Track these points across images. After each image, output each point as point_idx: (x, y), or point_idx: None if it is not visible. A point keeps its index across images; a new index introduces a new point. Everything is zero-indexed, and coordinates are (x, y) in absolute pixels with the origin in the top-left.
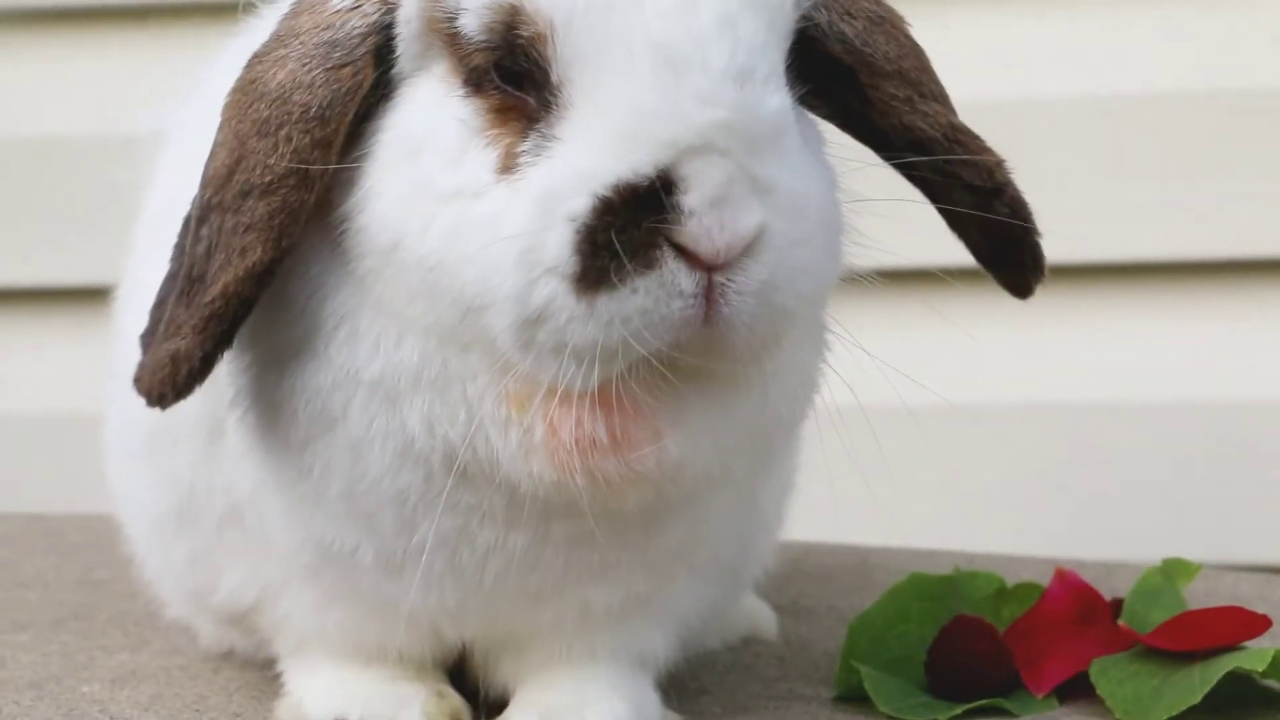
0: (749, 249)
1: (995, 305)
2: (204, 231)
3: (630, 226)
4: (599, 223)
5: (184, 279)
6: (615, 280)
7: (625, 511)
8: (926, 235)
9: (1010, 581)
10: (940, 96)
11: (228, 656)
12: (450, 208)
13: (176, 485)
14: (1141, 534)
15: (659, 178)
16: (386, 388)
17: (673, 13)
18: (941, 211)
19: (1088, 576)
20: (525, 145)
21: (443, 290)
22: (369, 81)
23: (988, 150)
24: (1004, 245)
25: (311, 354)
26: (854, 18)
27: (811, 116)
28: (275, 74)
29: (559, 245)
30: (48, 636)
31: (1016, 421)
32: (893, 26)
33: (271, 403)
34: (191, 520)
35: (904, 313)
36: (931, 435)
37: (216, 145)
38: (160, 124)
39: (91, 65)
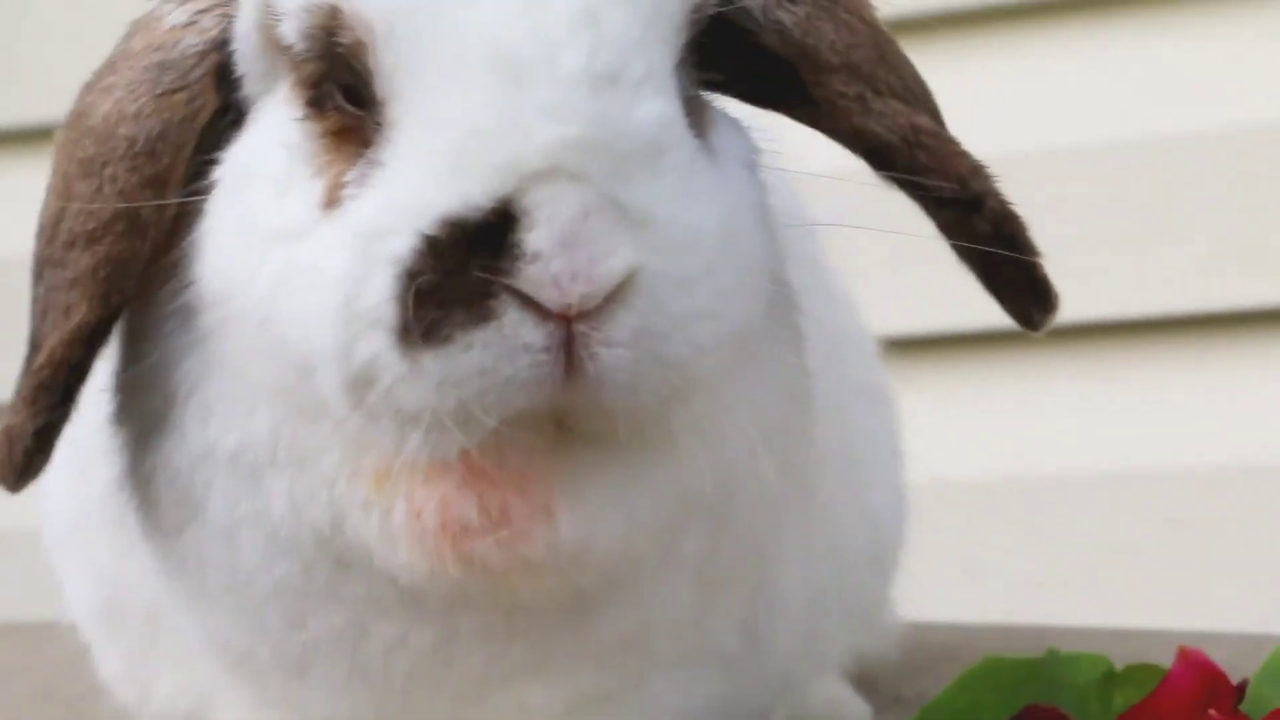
0: (616, 294)
1: (1102, 369)
2: (40, 290)
3: (460, 270)
4: (422, 266)
5: (29, 344)
6: (444, 334)
7: (541, 602)
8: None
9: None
10: (902, 92)
11: None
12: (276, 251)
13: (100, 580)
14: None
15: (497, 210)
16: (246, 465)
17: (516, 10)
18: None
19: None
20: (352, 174)
21: (277, 349)
22: (210, 107)
23: (961, 154)
24: (995, 268)
25: (168, 428)
26: (795, 3)
27: (747, 124)
28: (101, 105)
29: (379, 293)
30: None
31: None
32: (845, 11)
33: (139, 485)
34: (118, 621)
35: (1005, 378)
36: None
37: (47, 191)
38: None
39: None
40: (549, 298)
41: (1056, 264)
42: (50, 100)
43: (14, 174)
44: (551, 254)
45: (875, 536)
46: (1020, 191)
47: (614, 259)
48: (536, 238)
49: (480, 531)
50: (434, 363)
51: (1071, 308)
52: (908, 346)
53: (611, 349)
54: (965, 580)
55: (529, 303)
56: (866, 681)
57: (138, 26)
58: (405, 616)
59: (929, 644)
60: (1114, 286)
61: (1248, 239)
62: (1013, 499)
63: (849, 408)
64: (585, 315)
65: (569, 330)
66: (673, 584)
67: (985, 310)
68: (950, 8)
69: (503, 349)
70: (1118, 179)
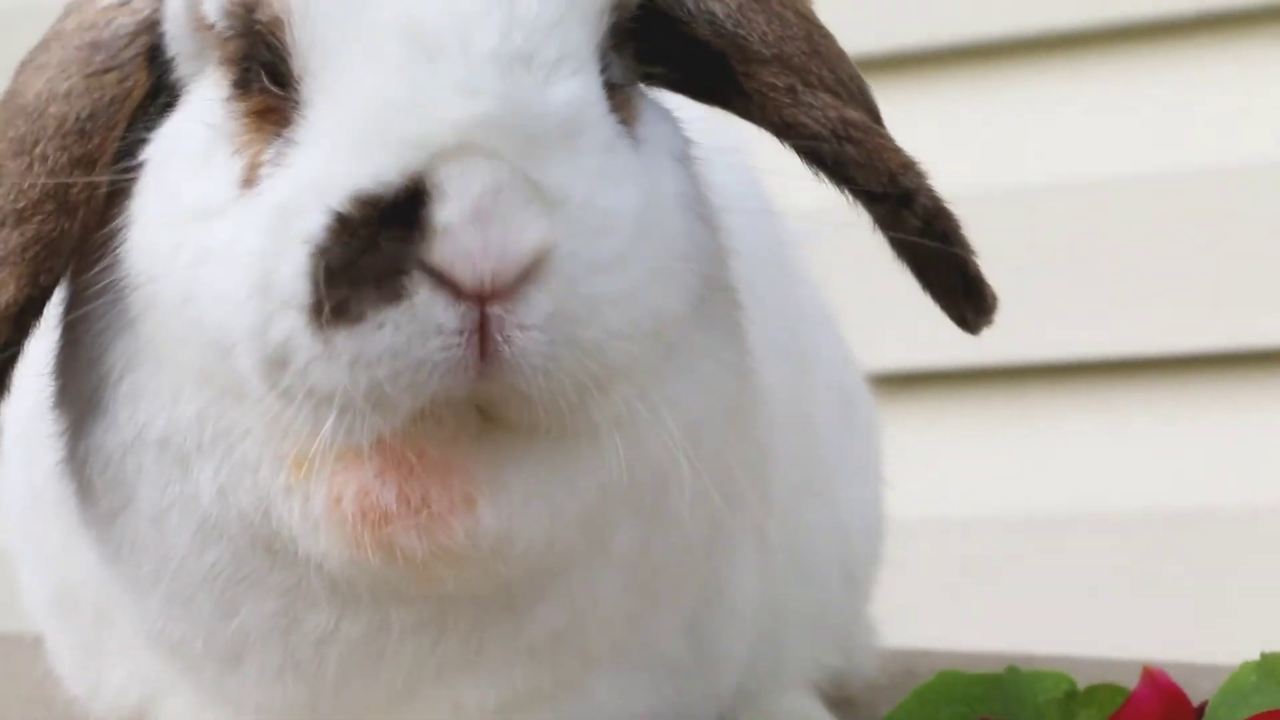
0: (530, 274)
1: (1086, 409)
2: None
3: (372, 248)
4: (334, 243)
5: None
6: (356, 313)
7: (468, 594)
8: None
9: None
10: (835, 86)
11: None
12: (194, 229)
13: (50, 569)
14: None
15: (409, 187)
16: (174, 449)
17: None
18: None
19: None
20: (269, 153)
21: (198, 329)
22: (141, 88)
23: (892, 150)
24: (928, 266)
25: (100, 412)
26: None
27: (679, 115)
28: (34, 83)
29: (291, 270)
30: None
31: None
32: (780, 3)
33: (75, 471)
34: (69, 610)
35: (991, 417)
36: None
37: None
38: None
39: None
40: (461, 272)
41: (1067, 301)
42: None
43: None
44: (463, 228)
45: (847, 551)
46: (1033, 228)
47: (526, 234)
48: (447, 212)
49: (399, 519)
50: (346, 342)
51: (1070, 346)
52: (913, 381)
53: (526, 332)
54: (986, 612)
55: (442, 282)
56: (845, 702)
57: (72, 7)
58: (335, 607)
59: (917, 669)
60: (1112, 326)
61: (1261, 279)
62: (1025, 533)
63: (817, 419)
64: (499, 297)
65: (482, 313)
66: (603, 581)
67: (983, 348)
68: (950, 45)
69: (415, 329)
70: (1133, 216)
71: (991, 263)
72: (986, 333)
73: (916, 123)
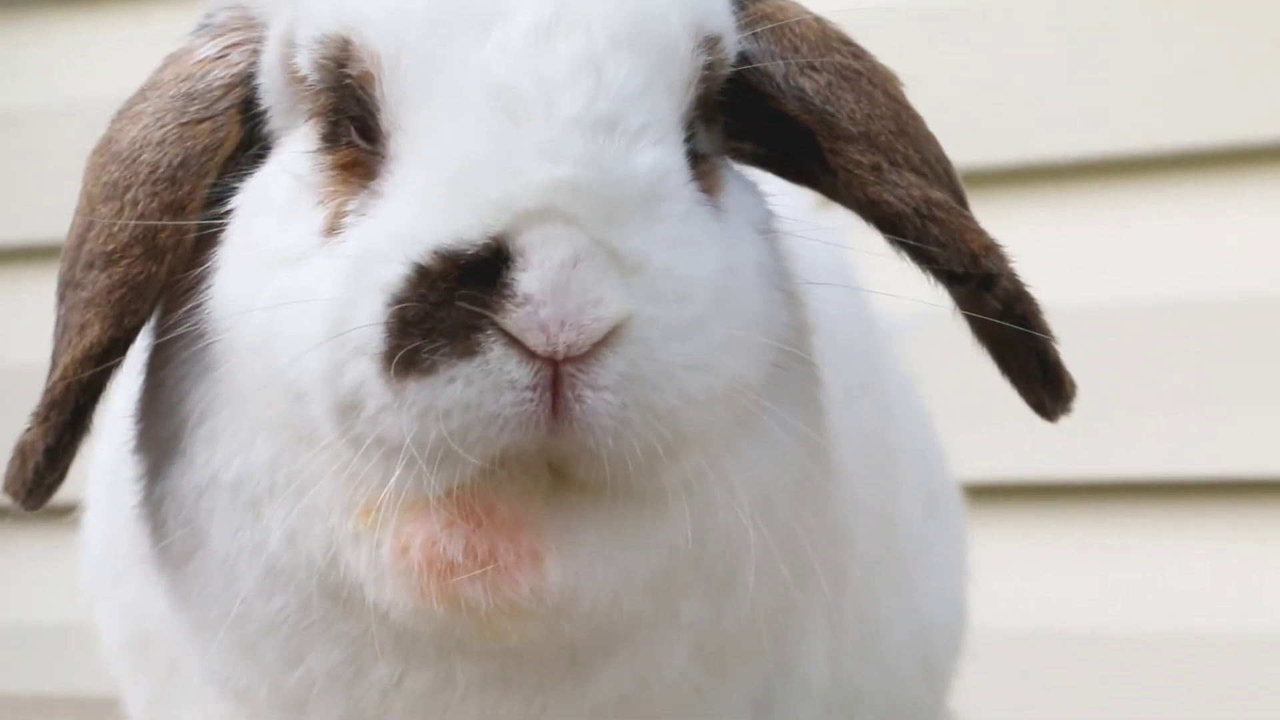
0: (606, 338)
1: (1178, 527)
2: (61, 310)
3: (448, 302)
4: (410, 293)
5: (50, 364)
6: (428, 364)
7: (536, 649)
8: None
9: None
10: (920, 166)
11: None
12: (275, 277)
13: (127, 617)
14: None
15: (489, 246)
16: (246, 493)
17: (521, 50)
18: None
19: None
20: (354, 204)
21: (273, 373)
22: (234, 139)
23: (976, 231)
24: (1008, 350)
25: (179, 454)
26: (817, 71)
27: (763, 189)
28: (129, 131)
29: (366, 318)
30: None
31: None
32: (869, 83)
33: (151, 513)
34: (144, 656)
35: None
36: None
37: (74, 213)
38: None
39: None
40: (536, 343)
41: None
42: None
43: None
44: (541, 299)
45: (925, 641)
46: (1129, 344)
47: (602, 308)
48: (527, 280)
49: (465, 571)
50: (417, 393)
51: (1167, 465)
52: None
53: (598, 393)
54: None
55: (515, 340)
56: None
57: (171, 58)
58: (400, 660)
59: None
60: (1214, 445)
61: None
62: (1120, 649)
63: (899, 507)
64: (573, 357)
65: (556, 370)
66: (670, 648)
67: (1072, 464)
68: (1034, 163)
69: (487, 384)
70: (1234, 336)
71: (1085, 378)
72: (1077, 448)
73: (1015, 239)
